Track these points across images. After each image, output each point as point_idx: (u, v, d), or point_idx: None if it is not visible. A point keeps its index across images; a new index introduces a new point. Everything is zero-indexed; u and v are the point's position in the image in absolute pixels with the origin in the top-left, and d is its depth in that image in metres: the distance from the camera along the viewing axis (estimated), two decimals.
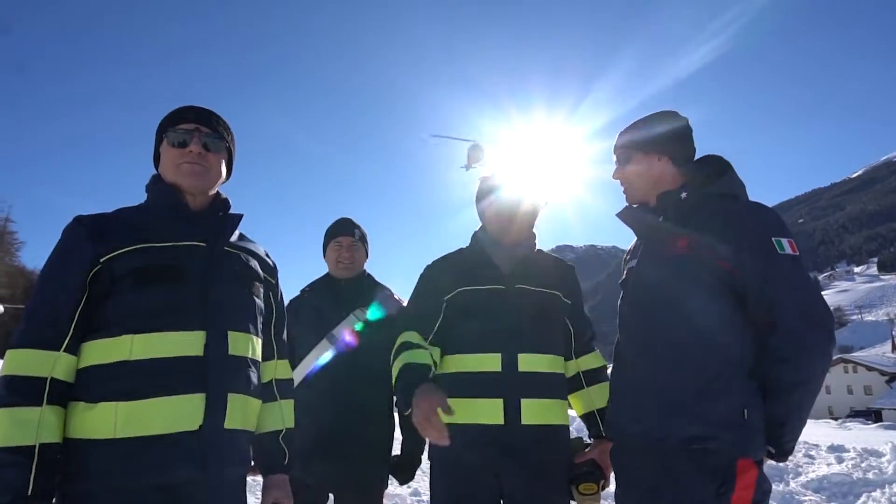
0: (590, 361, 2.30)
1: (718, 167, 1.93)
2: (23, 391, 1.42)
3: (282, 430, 1.83)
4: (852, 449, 11.10)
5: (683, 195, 1.85)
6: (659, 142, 1.93)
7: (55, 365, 1.47)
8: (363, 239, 2.87)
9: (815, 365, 1.66)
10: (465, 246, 2.40)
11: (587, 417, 2.27)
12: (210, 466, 1.52)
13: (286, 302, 2.87)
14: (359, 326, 2.67)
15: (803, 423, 1.73)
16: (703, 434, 1.68)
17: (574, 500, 2.11)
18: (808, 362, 1.65)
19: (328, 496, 2.67)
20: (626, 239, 2.14)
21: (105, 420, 1.45)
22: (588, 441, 2.26)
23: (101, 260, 1.55)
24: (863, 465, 9.15)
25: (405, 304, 2.88)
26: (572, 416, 2.43)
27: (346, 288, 2.79)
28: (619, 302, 2.05)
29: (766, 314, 1.69)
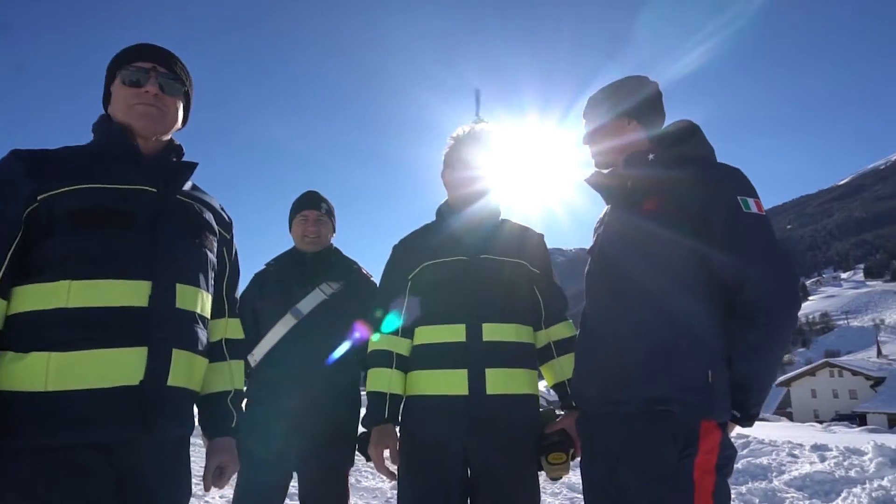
0: (561, 331, 2.25)
1: (687, 130, 1.90)
2: None
3: (230, 392, 1.75)
4: (835, 448, 11.15)
5: (651, 157, 1.82)
6: (628, 104, 1.91)
7: None
8: (330, 213, 2.81)
9: (781, 324, 1.63)
10: (431, 222, 2.38)
11: (558, 388, 2.22)
12: (150, 425, 1.42)
13: (252, 276, 2.83)
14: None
15: (769, 387, 1.69)
16: (665, 395, 1.65)
17: (544, 470, 2.07)
18: (774, 321, 1.62)
19: (292, 474, 2.61)
20: None
21: (36, 371, 1.34)
22: (560, 412, 2.22)
23: (39, 197, 1.42)
24: (845, 463, 9.19)
25: (372, 279, 2.84)
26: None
27: (312, 262, 2.73)
28: (585, 269, 2.01)
29: (733, 273, 1.66)
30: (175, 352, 1.49)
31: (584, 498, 1.93)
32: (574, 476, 2.10)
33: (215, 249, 1.71)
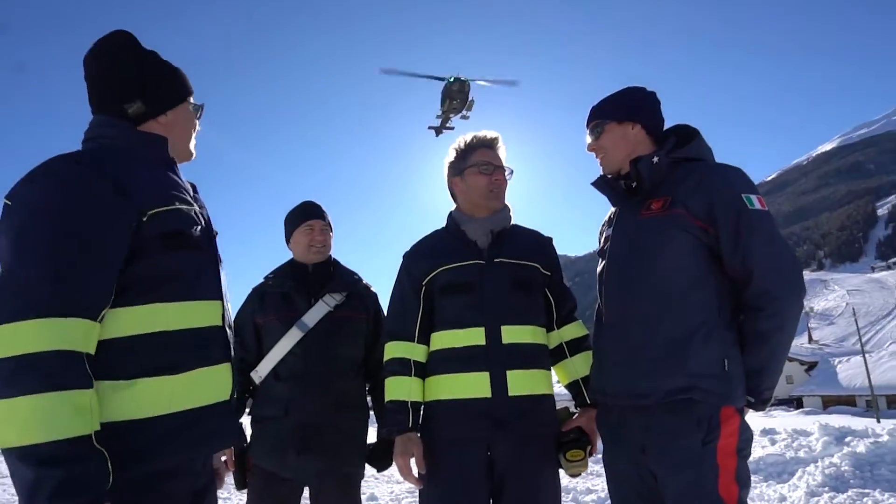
0: (572, 331, 2.33)
1: (687, 134, 2.03)
2: (77, 369, 1.20)
3: None
4: (783, 431, 11.75)
5: (655, 159, 1.92)
6: (630, 110, 2.02)
7: (93, 337, 1.27)
8: (330, 223, 2.82)
9: (788, 311, 1.76)
10: (440, 227, 2.41)
11: (572, 387, 2.30)
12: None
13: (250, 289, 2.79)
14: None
15: (779, 371, 1.82)
16: (686, 385, 1.75)
17: (562, 467, 2.14)
18: (782, 309, 1.75)
19: (303, 489, 2.60)
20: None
21: (151, 397, 1.33)
22: (574, 410, 2.30)
23: (143, 218, 1.38)
24: (794, 444, 9.70)
25: (372, 289, 2.86)
26: (559, 388, 2.47)
27: (313, 273, 2.71)
28: (597, 269, 2.10)
29: (741, 267, 1.78)
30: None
31: (610, 490, 2.02)
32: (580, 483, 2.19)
33: None
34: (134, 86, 1.51)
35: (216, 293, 1.52)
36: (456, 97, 31.71)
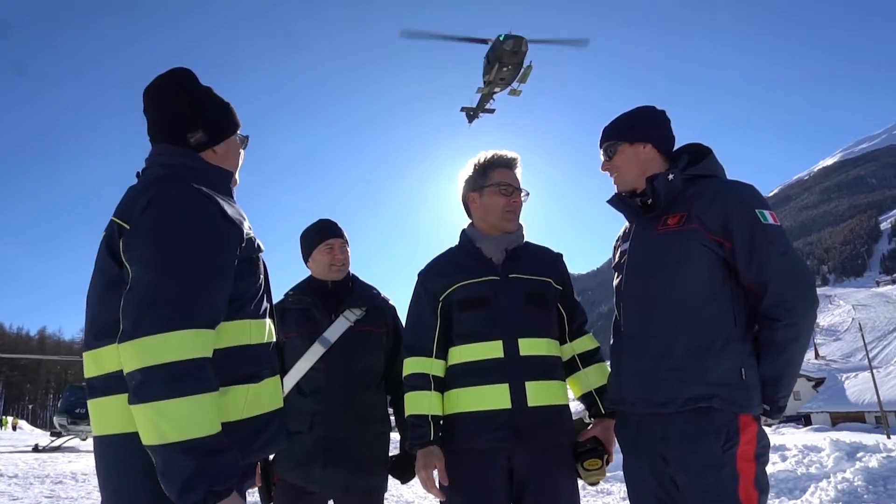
0: (584, 344, 2.39)
1: (699, 151, 2.10)
2: (213, 375, 1.38)
3: None
4: (793, 447, 11.66)
5: (670, 176, 1.99)
6: (642, 130, 2.10)
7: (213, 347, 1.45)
8: (347, 240, 2.88)
9: (804, 322, 1.82)
10: (454, 244, 2.48)
11: (586, 398, 2.35)
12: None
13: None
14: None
15: (794, 380, 1.88)
16: (706, 393, 1.81)
17: (580, 476, 2.18)
18: (797, 319, 1.81)
19: (328, 503, 2.64)
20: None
21: (238, 402, 1.50)
22: (588, 420, 2.34)
23: (242, 244, 1.56)
24: (805, 461, 9.64)
25: (391, 302, 2.92)
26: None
27: (333, 290, 2.77)
28: (614, 282, 2.17)
29: (756, 279, 1.84)
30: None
31: (630, 498, 2.06)
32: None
33: None
34: (196, 116, 1.66)
35: (272, 313, 1.71)
36: (508, 61, 24.19)
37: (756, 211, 1.87)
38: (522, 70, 24.46)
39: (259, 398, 1.55)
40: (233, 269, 1.50)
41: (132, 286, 1.37)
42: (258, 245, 1.65)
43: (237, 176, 1.79)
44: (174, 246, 1.40)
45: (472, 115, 27.83)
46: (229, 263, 1.49)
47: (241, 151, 1.80)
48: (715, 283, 1.89)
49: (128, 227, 1.43)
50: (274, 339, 1.69)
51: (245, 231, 1.57)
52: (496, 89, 25.68)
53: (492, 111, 27.27)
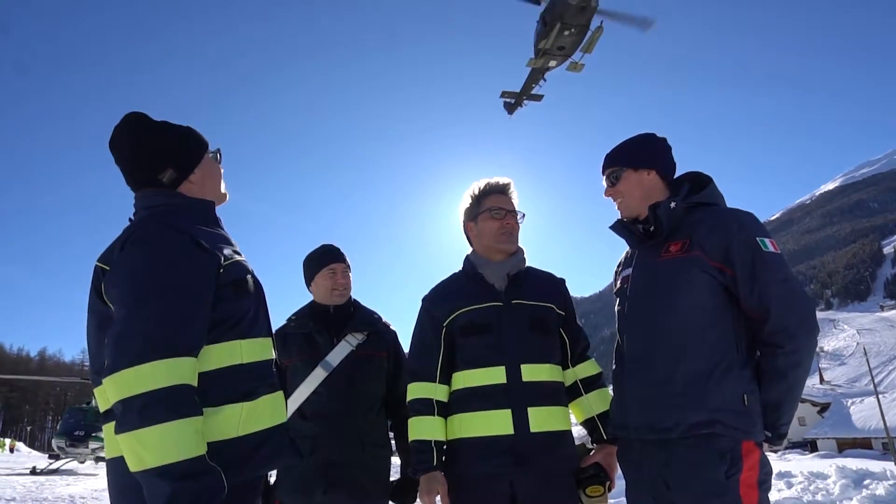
0: (587, 369, 2.40)
1: (699, 180, 2.13)
2: (192, 400, 1.43)
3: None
4: (799, 474, 11.56)
5: (673, 204, 2.02)
6: (646, 157, 2.13)
7: (196, 372, 1.50)
8: (349, 265, 2.91)
9: (805, 349, 1.83)
10: (457, 270, 2.50)
11: (588, 423, 2.35)
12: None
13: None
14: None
15: (795, 407, 1.89)
16: (708, 419, 1.81)
17: (582, 502, 2.18)
18: (799, 347, 1.83)
19: None
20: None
21: (234, 420, 1.55)
22: (591, 446, 2.34)
23: (220, 270, 1.61)
24: (811, 488, 9.54)
25: (392, 327, 2.93)
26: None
27: (335, 314, 2.79)
28: (616, 308, 2.18)
29: (758, 306, 1.86)
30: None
31: None
32: None
33: None
34: (159, 156, 1.72)
35: (268, 331, 1.76)
36: (572, 21, 17.63)
37: (757, 239, 1.89)
38: (590, 34, 18.22)
39: (256, 415, 1.60)
40: (208, 296, 1.55)
41: (112, 324, 1.47)
42: (244, 267, 1.70)
43: (224, 189, 1.86)
44: (144, 281, 1.48)
45: (513, 103, 22.67)
46: (203, 291, 1.54)
47: (219, 166, 1.87)
48: (717, 309, 1.91)
49: (108, 269, 1.55)
50: (273, 357, 1.74)
51: (225, 256, 1.62)
52: (551, 63, 19.67)
53: (539, 98, 21.98)
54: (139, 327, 1.42)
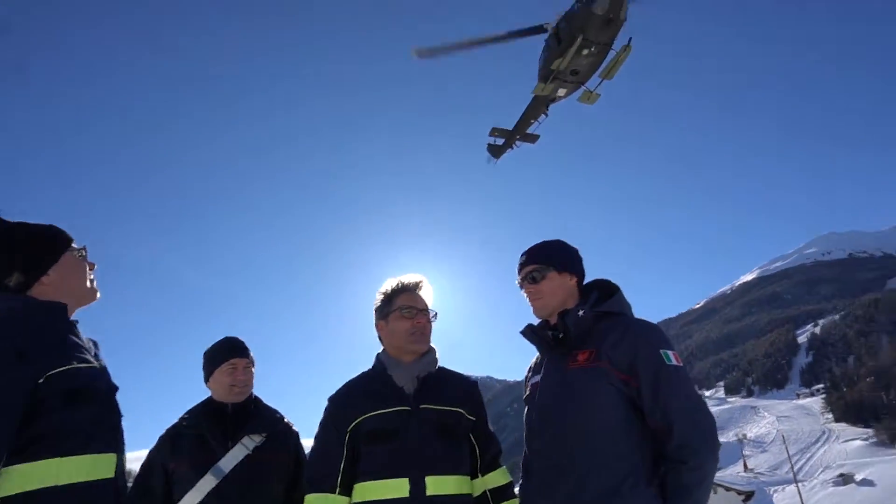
0: (496, 478, 2.29)
1: (608, 289, 2.16)
2: None
3: None
4: None
5: (581, 312, 2.02)
6: (570, 262, 2.17)
7: None
8: (253, 360, 2.75)
9: (708, 465, 1.82)
10: (367, 369, 2.40)
11: None
12: None
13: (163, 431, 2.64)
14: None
15: None
16: None
17: None
18: (703, 463, 1.81)
19: None
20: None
21: None
22: None
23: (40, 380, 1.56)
24: None
25: (294, 428, 2.76)
26: None
27: (232, 413, 2.59)
28: (524, 416, 2.12)
29: (661, 420, 1.85)
30: None
31: None
32: None
33: None
34: (5, 262, 1.66)
35: (112, 446, 1.63)
36: (595, 37, 14.20)
37: (661, 352, 1.91)
38: (613, 55, 14.72)
39: None
40: (15, 409, 1.45)
41: None
42: (88, 375, 1.60)
43: (92, 286, 1.79)
44: None
45: (502, 144, 19.27)
46: (7, 405, 1.44)
47: (85, 263, 1.79)
48: (624, 423, 1.89)
49: None
50: (110, 476, 1.60)
51: (56, 364, 1.53)
52: (560, 92, 16.15)
53: (535, 139, 18.87)
54: None
